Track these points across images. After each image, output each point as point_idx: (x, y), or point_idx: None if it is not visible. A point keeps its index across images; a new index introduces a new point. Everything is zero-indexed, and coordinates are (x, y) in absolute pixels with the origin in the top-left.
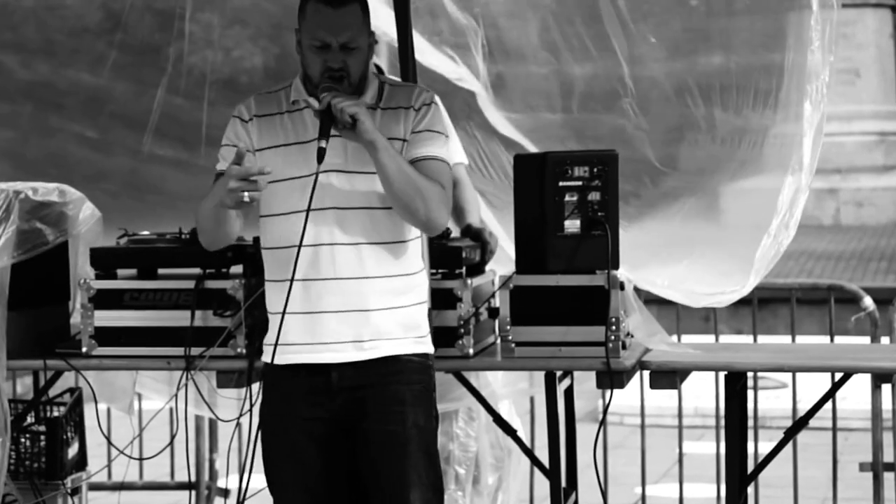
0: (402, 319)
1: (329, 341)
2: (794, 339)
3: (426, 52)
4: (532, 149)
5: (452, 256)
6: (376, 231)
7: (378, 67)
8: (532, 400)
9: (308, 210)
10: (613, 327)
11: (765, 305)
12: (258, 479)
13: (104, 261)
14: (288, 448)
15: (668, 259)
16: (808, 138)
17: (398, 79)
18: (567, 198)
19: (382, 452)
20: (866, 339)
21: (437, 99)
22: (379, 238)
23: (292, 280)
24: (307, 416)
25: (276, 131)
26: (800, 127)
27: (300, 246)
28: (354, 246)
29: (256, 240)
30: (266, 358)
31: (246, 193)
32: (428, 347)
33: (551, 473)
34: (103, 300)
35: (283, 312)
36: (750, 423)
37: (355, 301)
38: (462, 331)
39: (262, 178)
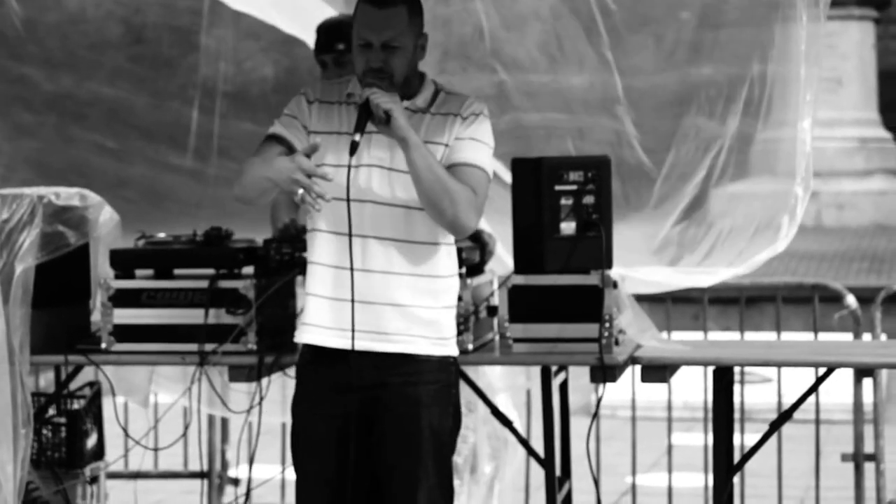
0: (426, 319)
1: (349, 328)
2: (779, 336)
3: None
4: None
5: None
6: (410, 230)
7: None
8: (528, 393)
9: (348, 199)
10: (607, 324)
11: (751, 304)
12: (266, 470)
13: (123, 262)
14: (310, 441)
15: (656, 261)
16: (804, 147)
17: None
18: (563, 201)
19: (395, 453)
20: (849, 336)
21: (486, 111)
22: (411, 237)
23: (352, 267)
24: (328, 412)
25: (332, 118)
26: (791, 135)
27: (350, 235)
28: (385, 241)
29: (266, 242)
30: (297, 337)
31: (301, 192)
32: (450, 350)
33: (546, 463)
34: (122, 299)
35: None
36: (736, 415)
37: (380, 294)
38: (462, 328)
39: (321, 188)
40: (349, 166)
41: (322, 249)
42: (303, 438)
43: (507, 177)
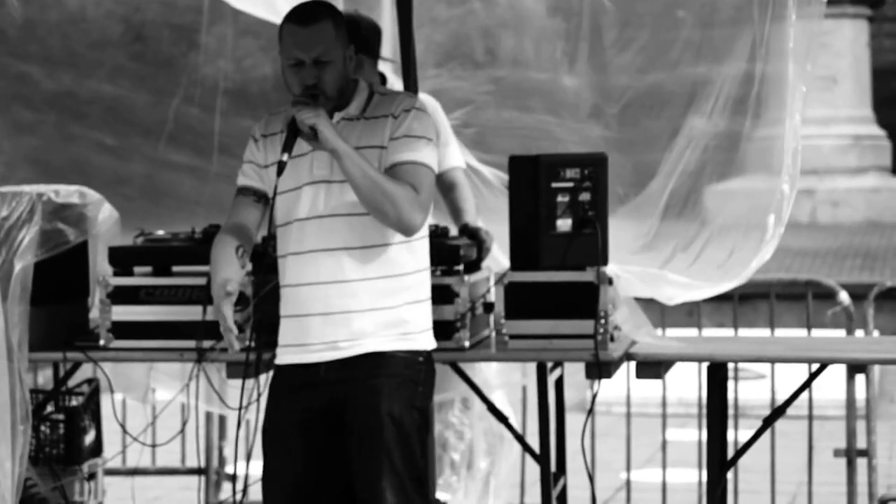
0: (387, 319)
1: (314, 342)
2: (772, 332)
3: None
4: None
5: (450, 254)
6: (359, 236)
7: (382, 76)
8: (524, 390)
9: (271, 223)
10: (602, 321)
11: (745, 300)
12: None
13: (121, 259)
14: (277, 438)
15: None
16: (790, 146)
17: (395, 89)
18: (559, 198)
19: (359, 443)
20: (842, 332)
21: (419, 104)
22: (360, 243)
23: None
24: (295, 408)
25: (276, 148)
26: (780, 133)
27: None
28: (336, 251)
29: (264, 239)
30: (277, 360)
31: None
32: (418, 344)
33: (541, 459)
34: (120, 296)
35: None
36: (730, 411)
37: (337, 304)
38: (459, 324)
39: (230, 341)
40: (275, 187)
41: (283, 272)
42: (269, 437)
43: (493, 178)
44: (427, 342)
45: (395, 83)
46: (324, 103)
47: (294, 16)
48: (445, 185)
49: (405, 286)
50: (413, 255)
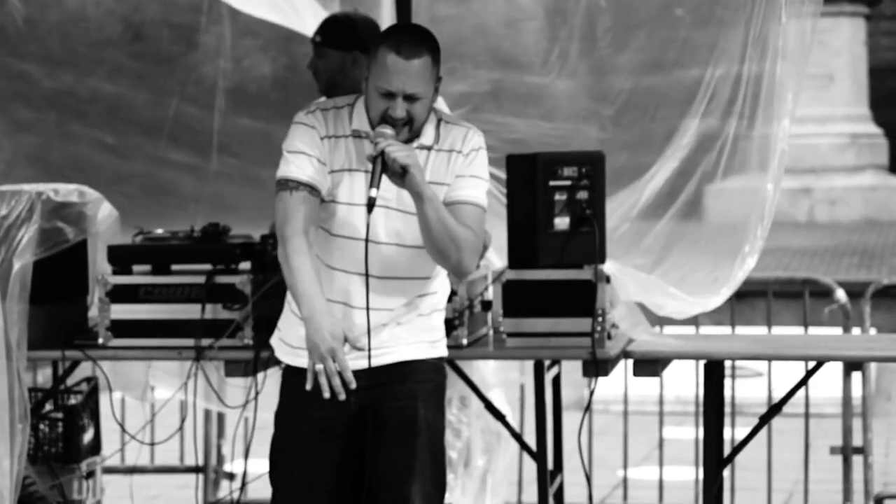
0: (419, 326)
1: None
2: (770, 330)
3: None
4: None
5: None
6: (411, 268)
7: None
8: (522, 388)
9: (367, 242)
10: (599, 319)
11: (743, 298)
12: (261, 464)
13: (120, 257)
14: (300, 446)
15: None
16: (778, 146)
17: (449, 112)
18: (557, 196)
19: (392, 442)
20: (838, 330)
21: (483, 142)
22: (411, 274)
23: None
24: (323, 416)
25: (342, 154)
26: (771, 133)
27: (366, 274)
28: (386, 279)
29: (263, 238)
30: (282, 356)
31: (318, 366)
32: (442, 351)
33: (538, 457)
34: (119, 294)
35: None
36: (727, 409)
37: (374, 320)
38: (457, 322)
39: (337, 384)
40: (367, 224)
41: (327, 281)
42: (291, 443)
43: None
44: (445, 350)
45: None
46: (403, 135)
47: (397, 45)
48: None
49: (435, 299)
50: (439, 277)
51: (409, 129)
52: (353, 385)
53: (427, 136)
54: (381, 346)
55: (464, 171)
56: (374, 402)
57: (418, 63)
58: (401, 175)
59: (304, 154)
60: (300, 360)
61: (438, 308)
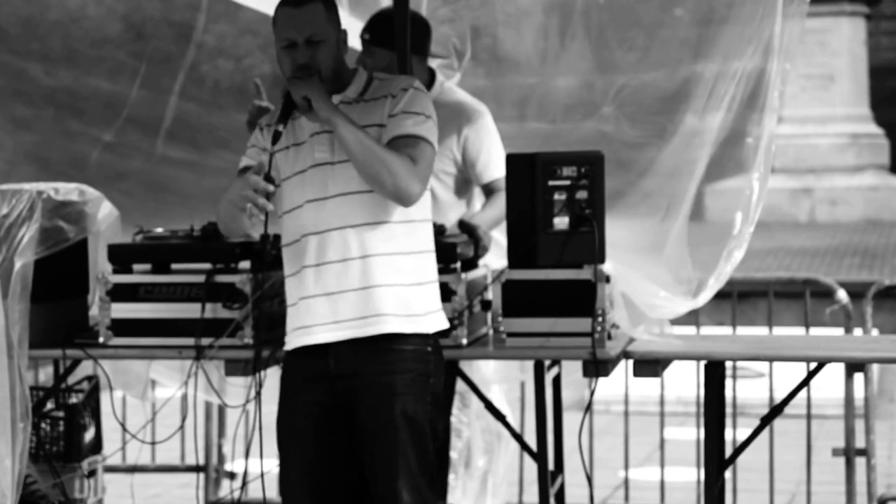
0: (392, 297)
1: (322, 322)
2: (771, 331)
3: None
4: None
5: (448, 252)
6: (360, 214)
7: (431, 72)
8: (522, 388)
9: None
10: (599, 318)
11: (744, 298)
12: (263, 463)
13: (121, 256)
14: (292, 430)
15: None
16: (764, 143)
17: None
18: (556, 196)
19: (373, 441)
20: (840, 331)
21: (417, 84)
22: (362, 220)
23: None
24: (310, 400)
25: (283, 135)
26: (785, 131)
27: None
28: (340, 230)
29: (263, 237)
30: (286, 346)
31: (249, 205)
32: (424, 327)
33: (539, 457)
34: (120, 293)
35: (291, 303)
36: (729, 410)
37: (342, 282)
38: (456, 322)
39: (267, 206)
40: (271, 153)
41: (298, 256)
42: (284, 429)
43: None
44: (432, 325)
45: (447, 80)
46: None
47: None
48: (489, 192)
49: (407, 266)
50: (412, 236)
51: (320, 77)
52: (271, 188)
53: (353, 89)
54: (361, 315)
55: (395, 109)
56: (352, 394)
57: (309, 8)
58: (308, 108)
59: (248, 147)
60: (291, 342)
61: (415, 282)
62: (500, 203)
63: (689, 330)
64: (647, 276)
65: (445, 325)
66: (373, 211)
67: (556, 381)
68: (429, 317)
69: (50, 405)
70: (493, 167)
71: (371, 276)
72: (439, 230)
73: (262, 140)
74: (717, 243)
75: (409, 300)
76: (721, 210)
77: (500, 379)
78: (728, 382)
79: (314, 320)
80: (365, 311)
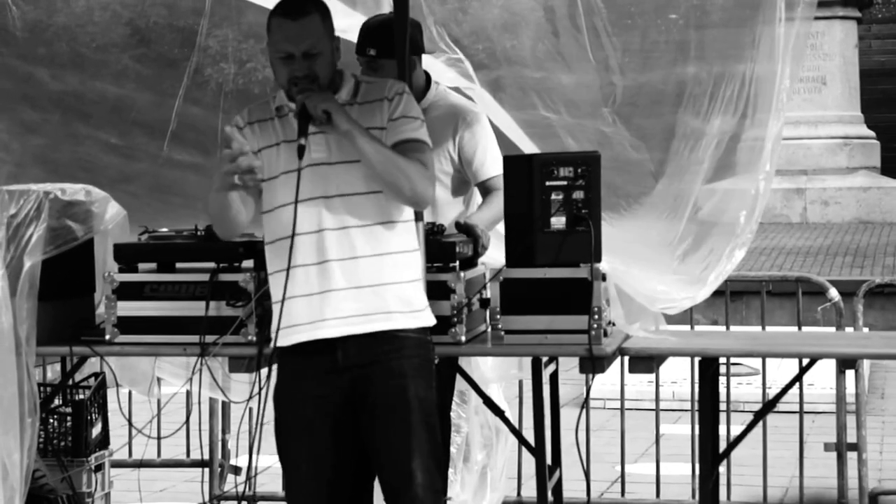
0: (396, 294)
1: (331, 317)
2: (764, 328)
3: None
4: (534, 148)
5: (447, 251)
6: (361, 214)
7: (427, 74)
8: (520, 384)
9: (296, 202)
10: (596, 316)
11: (738, 297)
12: (266, 459)
13: (127, 256)
14: (300, 424)
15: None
16: (769, 144)
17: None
18: (553, 196)
19: (386, 424)
20: (832, 328)
21: (406, 88)
22: (364, 221)
23: (289, 267)
24: (318, 393)
25: (269, 133)
26: (763, 133)
27: (293, 235)
28: (343, 230)
29: None
30: (279, 342)
31: (236, 176)
32: (424, 321)
33: (537, 452)
34: (125, 292)
35: (283, 298)
36: (723, 406)
37: (348, 279)
38: (455, 319)
39: (253, 162)
40: (299, 169)
41: (284, 255)
42: (290, 423)
43: None
44: (429, 319)
45: (442, 74)
46: (317, 89)
47: (282, 9)
48: (485, 190)
49: (404, 264)
50: (408, 235)
51: (318, 86)
52: (247, 147)
53: (345, 92)
54: (369, 312)
55: (394, 114)
56: (364, 382)
57: (306, 21)
58: (326, 121)
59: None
60: (287, 339)
61: (413, 279)
62: (496, 202)
63: (684, 327)
64: (648, 273)
65: (434, 321)
66: (378, 211)
67: (554, 378)
68: (426, 311)
69: (58, 401)
70: (489, 166)
71: (380, 273)
72: (438, 230)
73: (248, 138)
74: (718, 242)
75: (410, 296)
76: (716, 210)
77: (497, 377)
78: (722, 379)
79: (316, 317)
80: (373, 307)
